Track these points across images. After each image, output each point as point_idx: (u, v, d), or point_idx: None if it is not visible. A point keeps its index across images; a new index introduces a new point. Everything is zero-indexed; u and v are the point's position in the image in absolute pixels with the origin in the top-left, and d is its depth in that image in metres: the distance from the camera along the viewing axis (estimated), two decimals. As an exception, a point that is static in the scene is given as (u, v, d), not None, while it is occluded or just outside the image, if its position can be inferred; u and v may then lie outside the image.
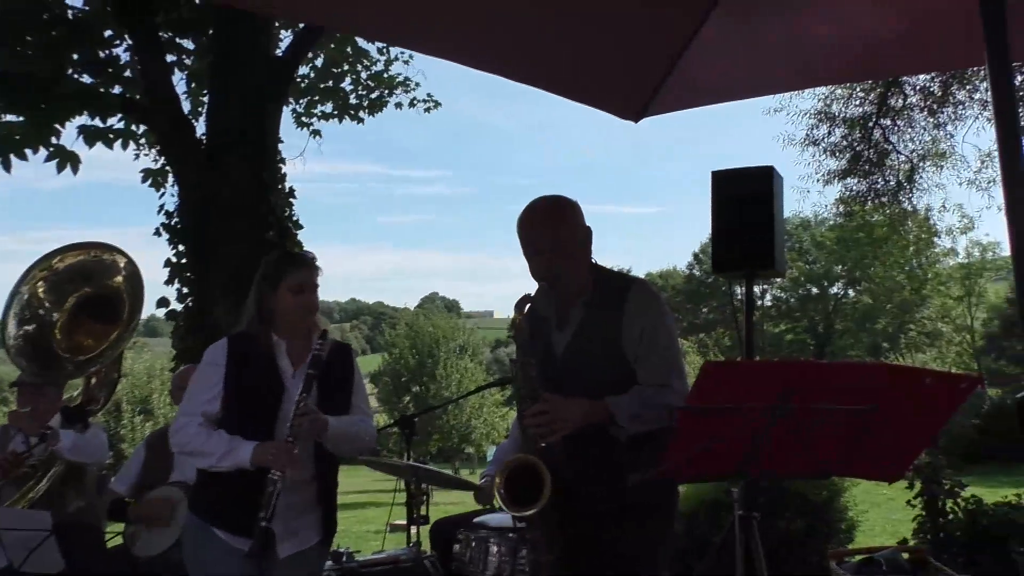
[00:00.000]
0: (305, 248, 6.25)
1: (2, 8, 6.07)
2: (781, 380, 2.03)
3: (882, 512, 10.83)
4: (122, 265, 4.34)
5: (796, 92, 13.05)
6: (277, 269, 3.00)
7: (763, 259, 3.98)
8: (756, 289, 4.53)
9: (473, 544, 3.87)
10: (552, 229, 2.67)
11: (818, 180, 14.63)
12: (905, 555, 4.47)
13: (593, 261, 2.77)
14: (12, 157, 6.01)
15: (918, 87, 12.47)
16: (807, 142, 14.27)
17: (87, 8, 6.24)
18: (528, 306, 2.64)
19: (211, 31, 6.38)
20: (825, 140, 13.98)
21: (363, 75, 9.65)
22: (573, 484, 2.59)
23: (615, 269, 3.01)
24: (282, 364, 2.96)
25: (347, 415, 3.01)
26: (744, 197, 3.97)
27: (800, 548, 5.64)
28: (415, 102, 10.07)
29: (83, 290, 4.45)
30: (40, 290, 4.54)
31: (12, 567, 3.83)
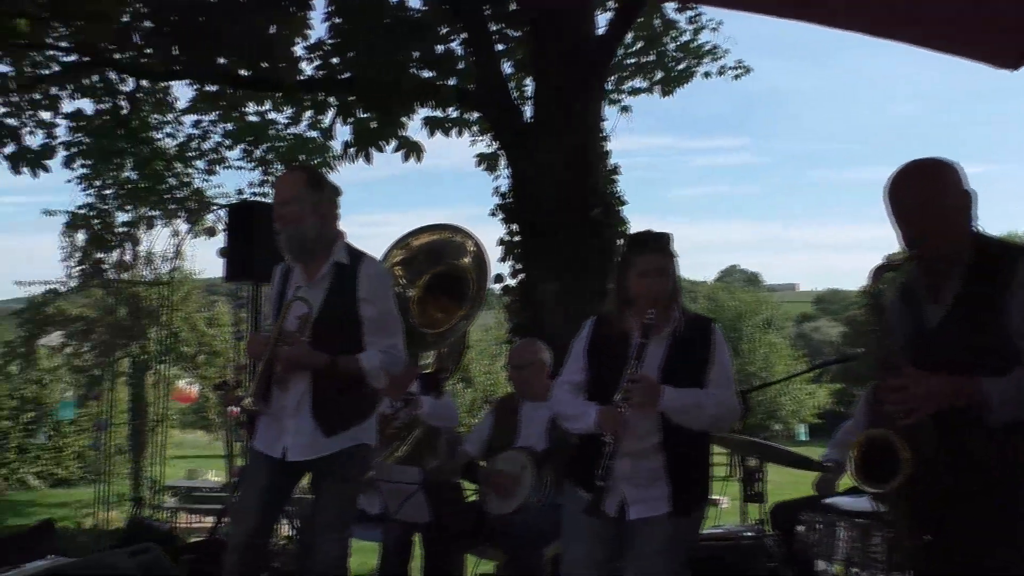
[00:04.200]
0: (629, 224, 6.36)
1: (353, 18, 6.79)
2: None
3: None
4: (470, 247, 4.68)
5: None
6: (625, 254, 3.19)
7: None
8: None
9: (820, 527, 3.74)
10: (918, 192, 2.47)
11: None
12: None
13: (975, 229, 2.50)
14: (371, 150, 6.78)
15: None
16: None
17: (425, 8, 6.80)
18: (885, 274, 2.49)
19: (534, 18, 6.65)
20: None
21: (671, 47, 9.56)
22: (939, 470, 2.41)
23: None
24: (633, 340, 3.05)
25: (697, 388, 3.04)
26: None
27: None
28: (724, 70, 9.78)
29: (435, 268, 4.87)
30: (397, 268, 5.03)
31: (387, 513, 4.31)
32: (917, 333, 2.54)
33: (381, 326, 3.39)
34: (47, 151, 8.30)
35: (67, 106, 8.65)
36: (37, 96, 8.50)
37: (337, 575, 3.40)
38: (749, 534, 3.98)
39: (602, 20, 6.80)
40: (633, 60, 9.41)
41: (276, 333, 3.32)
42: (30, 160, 8.01)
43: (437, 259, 4.85)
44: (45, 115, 8.63)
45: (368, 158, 6.77)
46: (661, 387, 2.96)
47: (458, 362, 5.30)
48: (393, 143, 6.86)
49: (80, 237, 11.15)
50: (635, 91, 9.63)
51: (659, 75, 9.48)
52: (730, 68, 9.72)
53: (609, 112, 9.48)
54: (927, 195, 2.46)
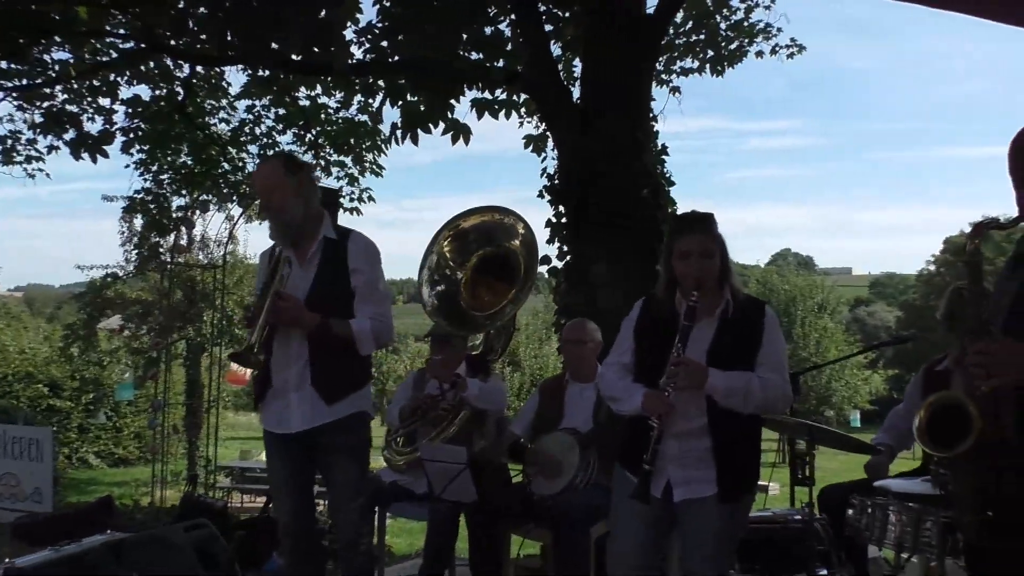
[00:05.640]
0: (677, 205, 6.29)
1: (402, 1, 6.80)
2: None
3: None
4: (520, 230, 4.64)
5: None
6: (669, 235, 3.13)
7: None
8: None
9: (870, 510, 3.69)
10: None
11: None
12: None
13: None
14: (419, 132, 6.80)
15: None
16: None
17: (476, -12, 6.77)
18: (988, 232, 2.35)
19: (584, -2, 6.59)
20: None
21: (722, 25, 9.42)
22: (1013, 442, 2.30)
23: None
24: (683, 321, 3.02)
25: (746, 371, 2.99)
26: None
27: None
28: (777, 49, 9.62)
29: (484, 249, 4.85)
30: (447, 250, 5.02)
31: (432, 493, 4.35)
32: (1018, 301, 2.36)
33: (369, 294, 3.49)
34: (106, 137, 8.50)
35: (125, 92, 8.87)
36: (96, 83, 8.71)
37: (359, 543, 3.50)
38: (798, 517, 3.93)
39: (652, -1, 6.72)
40: (683, 40, 9.30)
41: (273, 292, 3.36)
42: (90, 146, 8.21)
43: (487, 241, 4.81)
44: (104, 101, 8.85)
45: (415, 140, 6.80)
46: (706, 370, 2.93)
47: (506, 344, 5.29)
48: (441, 126, 6.87)
49: (138, 222, 11.41)
50: (685, 71, 9.54)
51: (710, 54, 9.37)
52: (783, 47, 9.58)
53: (658, 93, 9.36)
54: None
